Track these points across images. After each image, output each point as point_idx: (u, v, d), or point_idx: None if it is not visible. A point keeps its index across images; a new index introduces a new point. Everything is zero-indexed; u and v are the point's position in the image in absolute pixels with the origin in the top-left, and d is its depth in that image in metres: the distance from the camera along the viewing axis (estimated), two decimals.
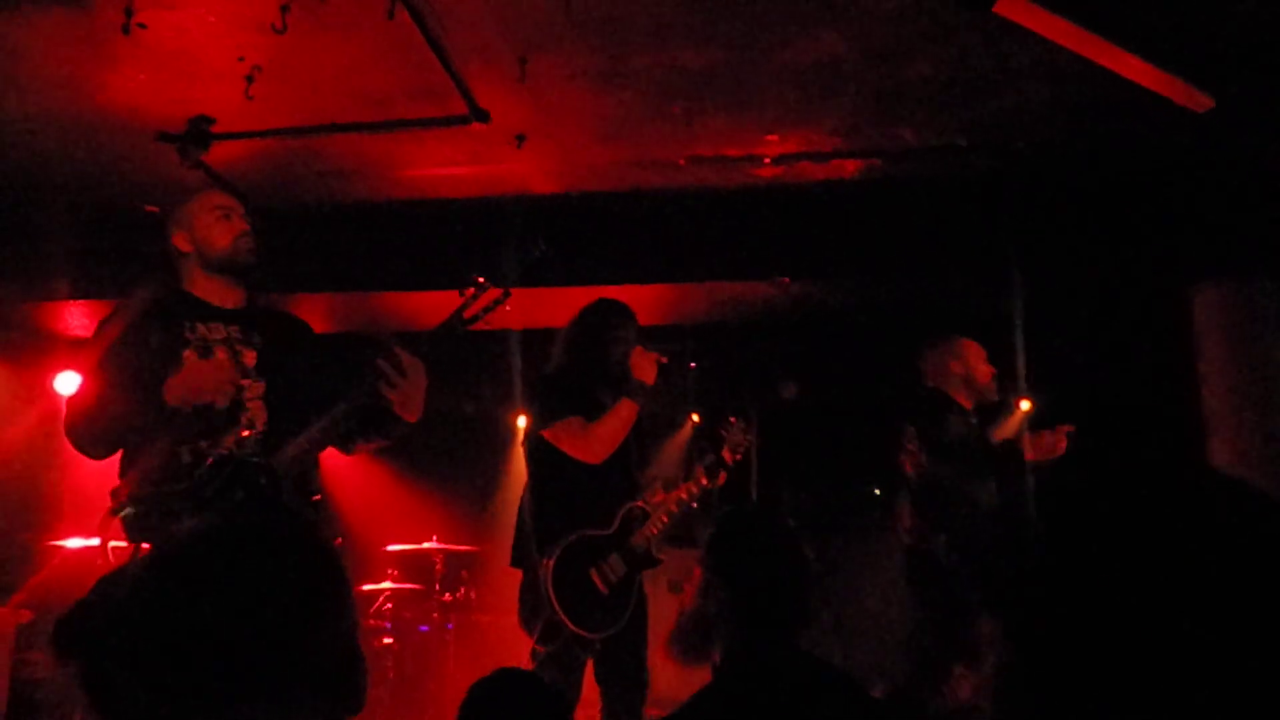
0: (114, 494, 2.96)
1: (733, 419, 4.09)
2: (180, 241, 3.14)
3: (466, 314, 3.14)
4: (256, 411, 3.02)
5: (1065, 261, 5.67)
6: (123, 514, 2.86)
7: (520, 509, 3.89)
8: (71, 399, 3.05)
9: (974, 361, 4.67)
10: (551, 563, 3.60)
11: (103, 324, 3.06)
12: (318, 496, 3.10)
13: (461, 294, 3.18)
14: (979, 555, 4.38)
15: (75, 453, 3.00)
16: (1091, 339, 6.12)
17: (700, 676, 2.37)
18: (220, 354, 3.00)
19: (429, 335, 3.10)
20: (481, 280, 3.19)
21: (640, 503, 3.90)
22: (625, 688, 3.71)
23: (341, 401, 2.98)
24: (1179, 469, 0.89)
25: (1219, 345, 5.39)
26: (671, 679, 3.85)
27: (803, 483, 6.97)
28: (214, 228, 3.12)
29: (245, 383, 3.02)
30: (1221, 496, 0.87)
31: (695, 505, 3.98)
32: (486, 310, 3.17)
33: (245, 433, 2.97)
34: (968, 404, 4.67)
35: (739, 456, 4.06)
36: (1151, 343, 5.89)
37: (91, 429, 2.96)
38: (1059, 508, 0.91)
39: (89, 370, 3.03)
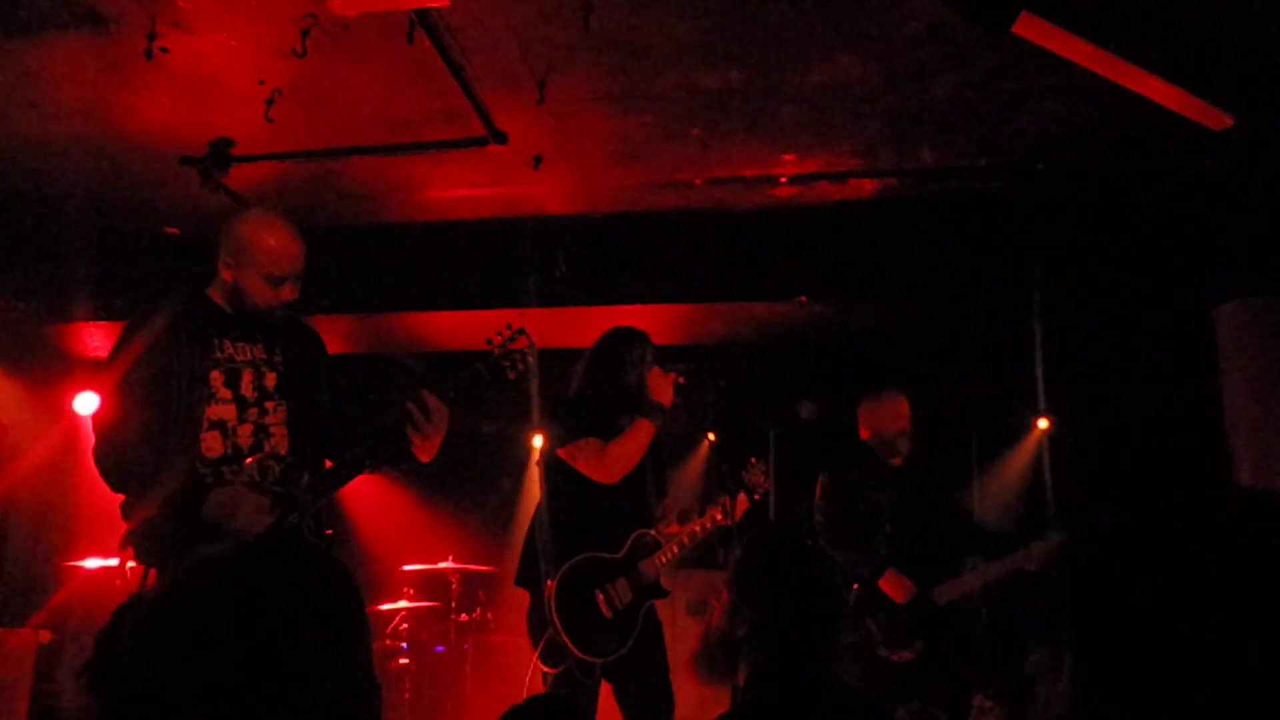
0: (125, 509, 2.93)
1: (753, 460, 4.03)
2: (225, 270, 3.07)
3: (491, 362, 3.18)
4: (280, 437, 3.03)
5: (1086, 280, 5.64)
6: (136, 535, 2.85)
7: (530, 528, 3.89)
8: (98, 423, 2.99)
9: (885, 419, 4.72)
10: (554, 583, 3.60)
11: (125, 336, 3.00)
12: (330, 531, 3.11)
13: (489, 342, 3.21)
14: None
15: (94, 471, 2.94)
16: (1114, 358, 6.08)
17: (717, 697, 2.35)
18: (250, 394, 3.01)
19: (454, 381, 3.11)
20: (510, 328, 3.22)
21: (653, 531, 3.89)
22: (648, 713, 3.68)
23: (365, 448, 2.99)
24: (1219, 492, 0.89)
25: (1242, 363, 5.34)
26: (689, 700, 3.83)
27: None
28: (261, 290, 3.03)
29: (269, 405, 3.04)
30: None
31: (710, 536, 3.96)
32: (512, 359, 3.19)
33: (267, 451, 2.98)
34: (888, 455, 4.70)
35: (757, 498, 4.01)
36: (1174, 361, 5.84)
37: (119, 453, 2.90)
38: (1097, 536, 0.91)
39: (111, 389, 2.96)
